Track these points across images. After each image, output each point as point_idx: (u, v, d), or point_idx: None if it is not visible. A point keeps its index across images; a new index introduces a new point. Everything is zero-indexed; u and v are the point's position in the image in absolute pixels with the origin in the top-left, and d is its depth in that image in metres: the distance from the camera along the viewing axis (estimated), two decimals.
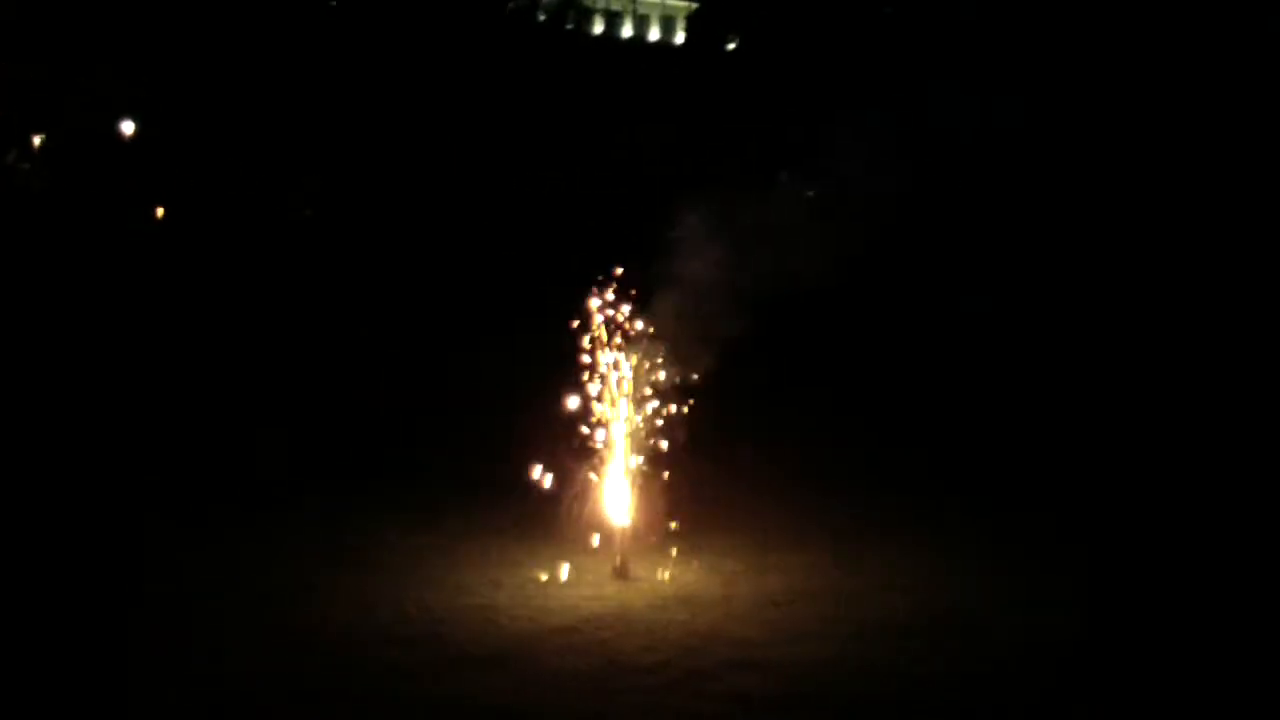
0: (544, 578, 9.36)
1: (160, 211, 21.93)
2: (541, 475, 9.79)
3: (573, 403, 9.82)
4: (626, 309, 9.97)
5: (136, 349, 16.51)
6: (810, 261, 20.11)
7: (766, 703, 6.79)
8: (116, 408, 14.56)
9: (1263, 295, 20.05)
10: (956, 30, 26.92)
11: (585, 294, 10.04)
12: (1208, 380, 17.45)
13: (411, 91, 25.35)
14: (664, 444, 9.93)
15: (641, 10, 50.19)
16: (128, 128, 21.99)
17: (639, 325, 10.02)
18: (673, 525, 10.01)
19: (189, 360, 16.47)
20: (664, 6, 50.04)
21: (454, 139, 25.36)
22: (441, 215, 23.79)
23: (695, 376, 10.32)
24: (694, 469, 10.33)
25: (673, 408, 10.09)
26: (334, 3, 25.56)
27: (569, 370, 9.92)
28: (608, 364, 9.81)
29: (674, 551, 9.96)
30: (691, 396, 10.28)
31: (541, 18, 34.40)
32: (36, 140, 21.87)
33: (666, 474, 9.91)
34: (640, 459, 9.86)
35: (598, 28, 46.87)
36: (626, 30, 49.50)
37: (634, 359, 9.87)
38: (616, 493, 9.74)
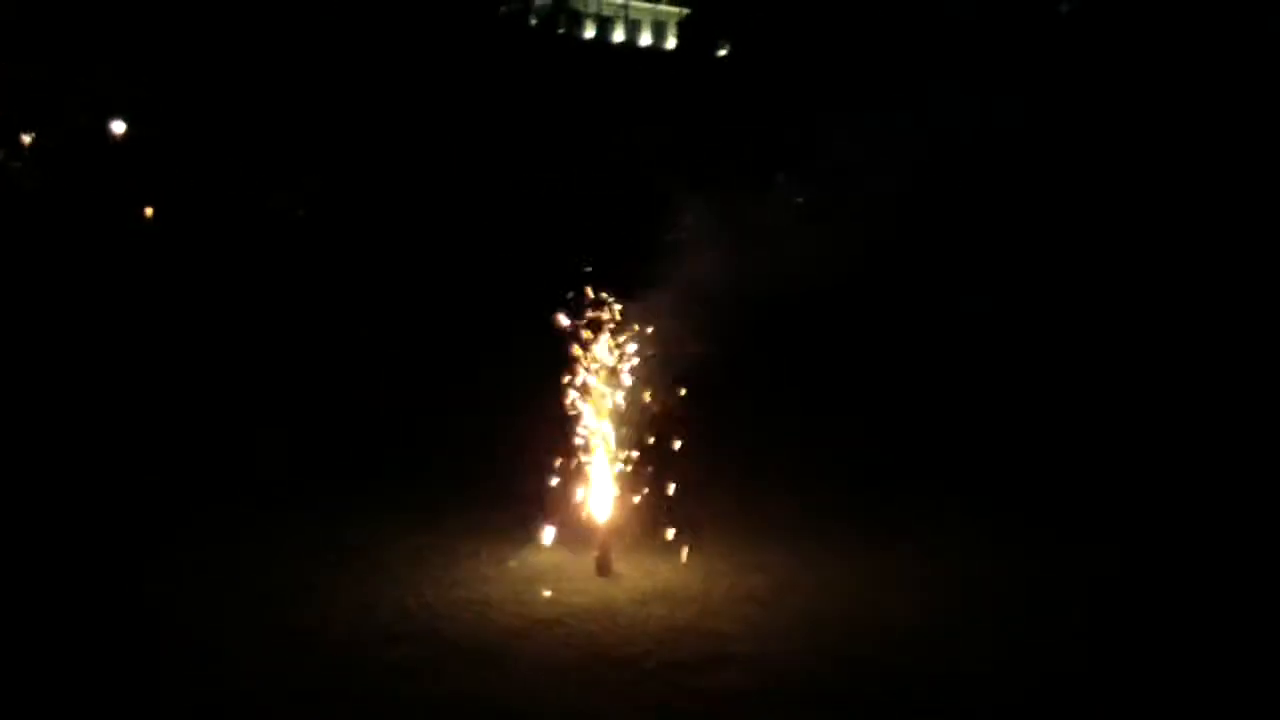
0: (513, 564, 9.64)
1: (149, 211, 22.05)
2: (530, 473, 9.99)
3: (561, 402, 10.00)
4: (611, 311, 10.13)
5: (136, 348, 16.62)
6: (805, 262, 20.36)
7: (741, 696, 7.02)
8: (115, 407, 14.65)
9: (1263, 295, 20.18)
10: (956, 30, 27.07)
11: (575, 296, 10.21)
12: (1207, 380, 17.58)
13: (407, 94, 25.51)
14: (650, 441, 10.10)
15: (633, 15, 50.34)
16: (118, 127, 22.11)
17: (624, 325, 10.18)
18: (669, 534, 10.14)
19: (189, 360, 16.59)
20: (656, 12, 50.22)
21: (448, 141, 25.52)
22: (437, 215, 23.95)
23: (685, 375, 10.50)
24: (679, 467, 10.50)
25: (659, 406, 10.26)
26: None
27: (559, 370, 10.09)
28: (593, 363, 9.98)
29: (657, 546, 10.14)
30: (680, 395, 10.45)
31: (533, 22, 34.60)
32: (26, 139, 21.97)
33: (651, 472, 10.08)
34: (625, 457, 10.02)
35: (589, 32, 47.08)
36: (618, 35, 49.67)
37: (618, 358, 10.04)
38: (600, 490, 9.92)
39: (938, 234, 23.56)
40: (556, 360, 10.17)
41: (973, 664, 7.69)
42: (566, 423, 10.04)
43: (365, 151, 23.87)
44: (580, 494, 9.95)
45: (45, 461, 12.39)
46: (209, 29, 22.32)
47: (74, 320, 17.17)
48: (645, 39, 50.19)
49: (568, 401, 10.04)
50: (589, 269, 10.40)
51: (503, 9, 32.47)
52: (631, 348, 10.14)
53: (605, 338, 10.09)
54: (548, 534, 10.03)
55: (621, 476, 10.01)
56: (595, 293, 10.19)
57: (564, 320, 10.06)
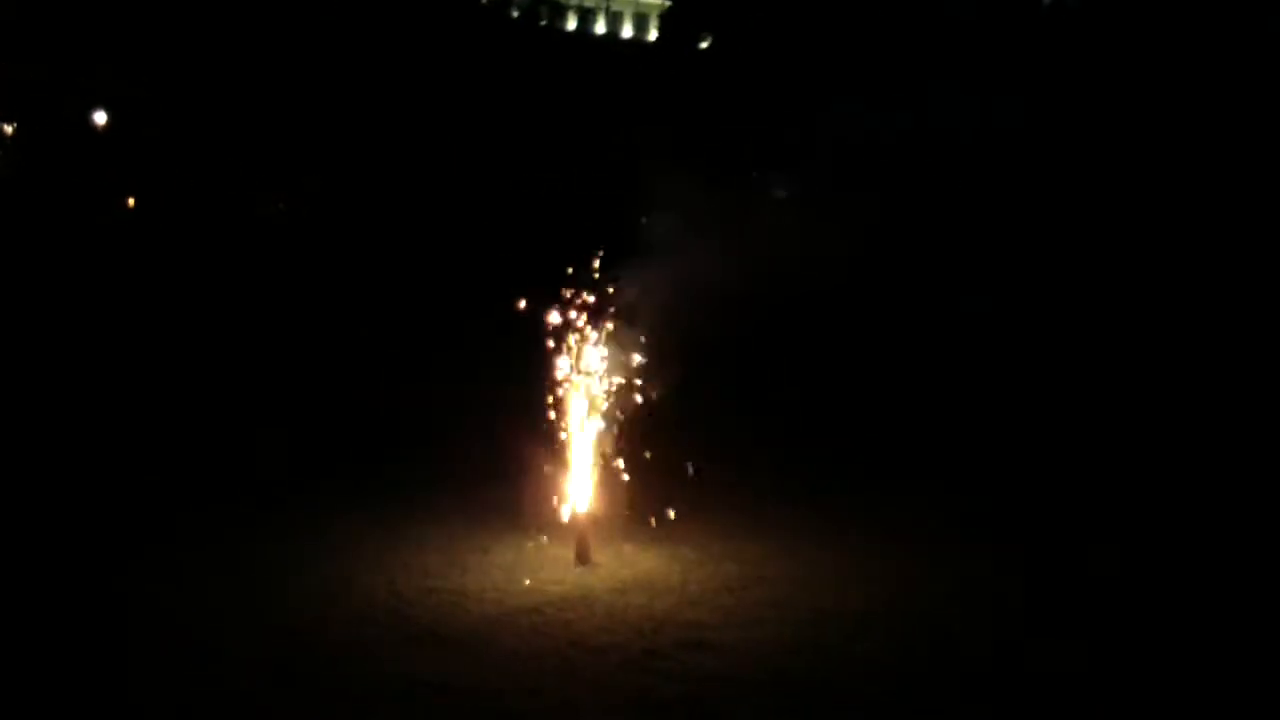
0: (492, 553, 9.76)
1: (131, 201, 22.05)
2: (512, 463, 10.09)
3: (543, 393, 10.10)
4: (589, 303, 10.22)
5: (136, 348, 16.63)
6: (794, 261, 20.43)
7: (716, 681, 7.13)
8: (112, 405, 14.65)
9: (1263, 295, 20.32)
10: (956, 30, 27.19)
11: (554, 290, 10.30)
12: (1207, 380, 17.71)
13: (390, 88, 25.55)
14: (628, 431, 10.21)
15: (615, 8, 50.37)
16: (100, 118, 22.10)
17: (604, 317, 10.28)
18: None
19: (186, 358, 16.60)
20: (637, 4, 50.25)
21: (431, 135, 25.57)
22: (420, 211, 24.00)
23: (671, 369, 10.60)
24: (661, 458, 10.62)
25: (641, 398, 10.36)
26: None
27: (542, 361, 10.18)
28: (572, 352, 10.07)
29: (636, 540, 10.26)
30: (667, 391, 10.55)
31: (515, 14, 34.65)
32: (8, 129, 21.96)
33: (628, 462, 10.18)
34: (603, 447, 10.12)
35: (571, 24, 47.11)
36: (600, 27, 49.70)
37: (600, 348, 10.14)
38: (579, 480, 10.02)
39: (937, 234, 23.63)
40: (539, 352, 10.27)
41: (941, 653, 7.83)
42: (548, 413, 10.13)
43: (354, 146, 23.92)
44: (560, 483, 10.05)
45: (40, 460, 12.36)
46: (207, 29, 22.35)
47: (69, 316, 17.14)
48: (627, 31, 50.24)
49: (549, 392, 10.14)
50: (570, 265, 10.47)
51: (483, 1, 32.55)
52: (603, 352, 10.22)
53: (585, 332, 10.20)
54: (526, 523, 10.13)
55: (601, 466, 10.11)
56: (576, 287, 10.29)
57: (546, 315, 10.16)
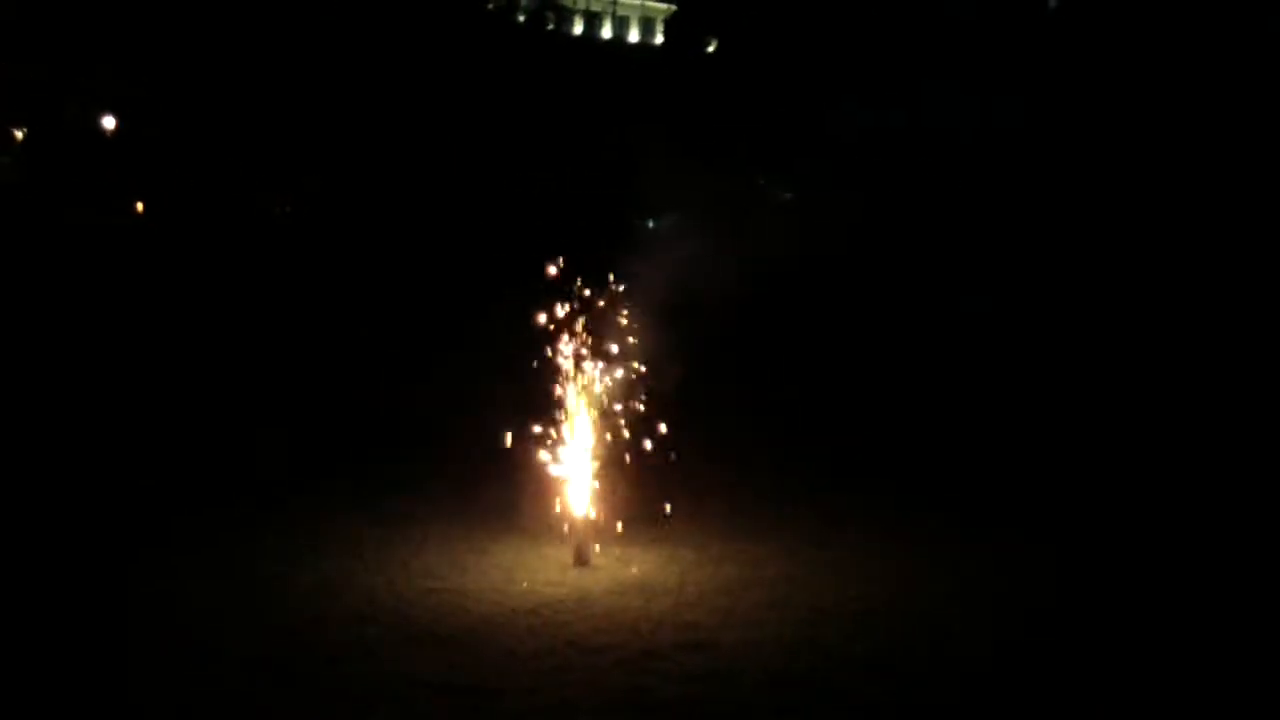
0: (491, 554, 9.82)
1: (140, 206, 22.12)
2: (510, 464, 10.15)
3: (541, 393, 10.15)
4: (590, 304, 10.27)
5: (136, 347, 16.69)
6: (795, 260, 20.48)
7: (713, 681, 7.13)
8: (113, 406, 14.71)
9: (1262, 294, 20.31)
10: (956, 30, 27.20)
11: (554, 289, 10.35)
12: (1206, 379, 17.71)
13: (394, 91, 25.60)
14: (627, 434, 10.24)
15: (621, 12, 50.45)
16: (109, 122, 22.17)
17: (607, 319, 10.33)
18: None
19: (187, 359, 16.66)
20: (644, 8, 50.33)
21: (435, 137, 25.61)
22: (425, 211, 24.06)
23: (670, 371, 10.64)
24: (659, 461, 10.66)
25: (642, 399, 10.40)
26: None
27: (541, 362, 10.24)
28: (570, 354, 10.12)
29: (634, 541, 10.30)
30: (667, 392, 10.60)
31: (521, 19, 34.70)
32: (19, 134, 22.05)
33: (629, 464, 10.23)
34: (603, 449, 10.17)
35: (578, 28, 47.19)
36: (606, 31, 49.79)
37: (599, 349, 10.19)
38: (578, 482, 10.06)
39: (937, 234, 23.66)
40: (539, 353, 10.32)
41: (941, 653, 7.83)
42: (547, 414, 10.18)
43: (356, 148, 23.97)
44: (559, 485, 10.10)
45: (41, 461, 12.42)
46: (207, 29, 22.42)
47: (70, 318, 17.20)
48: (633, 36, 50.32)
49: (548, 393, 10.19)
50: (570, 263, 10.51)
51: (490, 5, 32.60)
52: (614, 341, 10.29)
53: (581, 331, 10.25)
54: (526, 524, 10.19)
55: (600, 467, 10.15)
56: (576, 286, 10.33)
57: (546, 315, 10.21)
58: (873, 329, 20.64)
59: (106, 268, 18.47)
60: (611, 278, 10.56)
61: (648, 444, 10.24)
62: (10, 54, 19.14)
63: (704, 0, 36.42)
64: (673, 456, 10.38)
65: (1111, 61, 25.10)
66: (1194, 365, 18.30)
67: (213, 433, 14.21)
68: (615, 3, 50.25)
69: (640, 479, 10.34)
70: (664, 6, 47.19)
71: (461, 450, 12.59)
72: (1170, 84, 24.12)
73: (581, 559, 9.75)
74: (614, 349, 10.31)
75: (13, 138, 21.43)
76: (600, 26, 49.64)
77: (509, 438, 10.09)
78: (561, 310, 10.25)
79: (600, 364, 10.26)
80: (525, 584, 9.13)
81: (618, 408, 10.23)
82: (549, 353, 10.23)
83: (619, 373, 10.30)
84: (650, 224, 23.90)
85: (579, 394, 10.19)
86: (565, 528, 9.98)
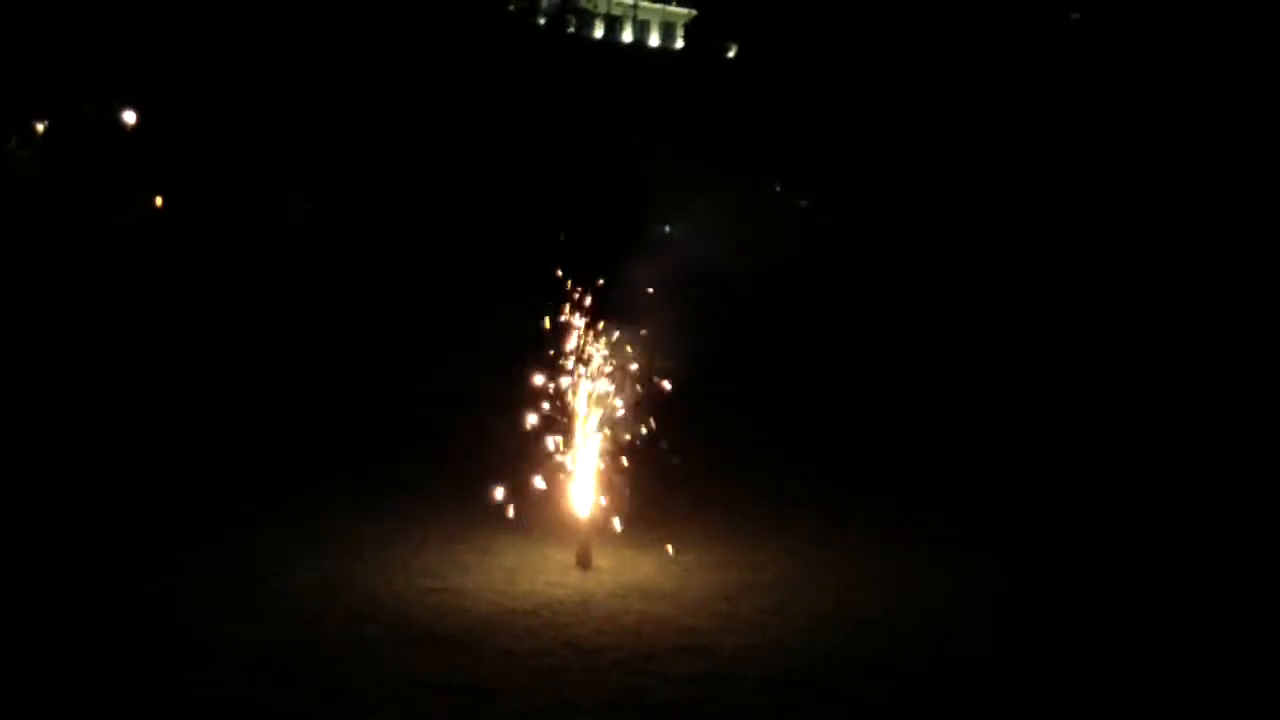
0: (493, 555, 9.86)
1: (159, 200, 22.22)
2: (512, 468, 10.17)
3: (543, 396, 10.17)
4: (595, 306, 10.30)
5: (137, 346, 16.75)
6: (804, 261, 20.50)
7: (711, 683, 7.15)
8: (116, 404, 14.77)
9: (1262, 294, 20.26)
10: (956, 30, 27.19)
11: (565, 289, 10.38)
12: (1205, 379, 17.67)
13: (413, 94, 25.68)
14: (628, 436, 10.26)
15: (642, 16, 50.53)
16: (129, 117, 22.27)
17: (611, 321, 10.35)
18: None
19: (189, 358, 16.72)
20: (665, 12, 50.41)
21: (454, 140, 25.68)
22: (440, 215, 24.12)
23: (671, 372, 10.66)
24: (661, 463, 10.69)
25: (644, 402, 10.42)
26: None
27: (543, 366, 10.26)
28: (574, 357, 10.15)
29: (636, 544, 10.32)
30: (669, 392, 10.61)
31: (541, 22, 34.78)
32: (40, 127, 22.17)
33: (629, 467, 10.24)
34: (605, 452, 10.19)
35: (598, 32, 47.25)
36: (627, 35, 49.86)
37: (602, 351, 10.21)
38: (581, 484, 10.08)
39: (937, 234, 23.65)
40: (544, 354, 10.34)
41: (941, 653, 7.85)
42: (550, 417, 10.20)
43: (370, 151, 24.04)
44: (562, 487, 10.12)
45: (45, 459, 12.48)
46: (209, 29, 22.49)
47: (78, 313, 17.28)
48: (654, 40, 50.39)
49: (552, 394, 10.21)
50: (580, 266, 10.54)
51: (510, 8, 32.69)
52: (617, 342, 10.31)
53: (589, 332, 10.27)
54: (528, 526, 10.21)
55: (602, 470, 10.17)
56: (584, 289, 10.36)
57: (553, 316, 10.23)
58: (873, 329, 20.66)
59: (116, 264, 18.53)
60: (620, 281, 10.58)
61: (651, 446, 10.26)
62: (10, 54, 19.23)
63: (724, 4, 36.43)
64: (675, 460, 10.40)
65: (1111, 61, 25.08)
66: (1193, 364, 18.27)
67: (218, 431, 14.26)
68: (636, 6, 50.32)
69: (643, 481, 10.34)
70: (684, 11, 47.23)
71: (463, 450, 12.64)
72: (1170, 83, 24.09)
73: (583, 561, 9.77)
74: (620, 351, 10.33)
75: (33, 130, 21.55)
76: (621, 30, 49.72)
77: (514, 437, 10.11)
78: (568, 312, 10.26)
79: (605, 366, 10.28)
80: (526, 585, 9.16)
81: (622, 410, 10.25)
82: (554, 354, 10.25)
83: (624, 375, 10.32)
84: (667, 229, 23.90)
85: (584, 395, 10.20)
86: (568, 529, 10.00)
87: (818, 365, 18.66)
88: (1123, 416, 16.38)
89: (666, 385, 10.56)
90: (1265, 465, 13.50)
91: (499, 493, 9.98)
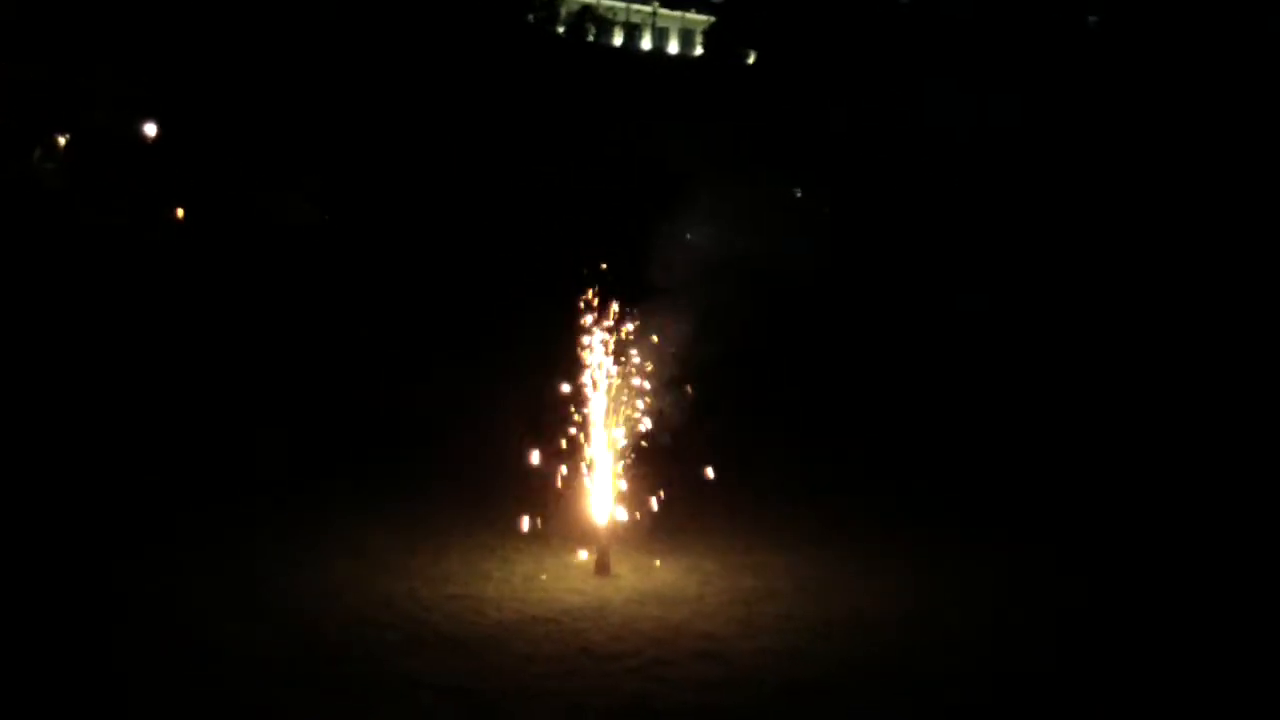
0: (512, 561, 9.90)
1: (180, 213, 22.32)
2: (531, 475, 10.21)
3: (560, 403, 10.20)
4: (617, 314, 10.32)
5: (138, 347, 16.82)
6: (810, 260, 20.51)
7: (723, 688, 7.18)
8: (120, 406, 14.86)
9: (1261, 294, 20.18)
10: (954, 30, 27.17)
11: (578, 297, 10.41)
12: (1203, 379, 17.62)
13: (429, 102, 25.77)
14: (647, 444, 10.28)
15: (661, 23, 50.62)
16: (150, 129, 22.36)
17: (630, 328, 10.37)
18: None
19: (192, 359, 16.79)
20: (684, 20, 50.47)
21: (470, 148, 25.75)
22: (458, 222, 24.18)
23: (685, 379, 10.68)
24: (679, 470, 10.70)
25: (659, 409, 10.45)
26: None
27: (558, 371, 10.29)
28: (593, 365, 10.17)
29: (655, 551, 10.35)
30: (679, 399, 10.64)
31: (560, 30, 34.89)
32: (62, 140, 22.29)
33: (650, 475, 10.27)
34: (625, 460, 10.22)
35: (618, 39, 47.37)
36: (646, 43, 49.96)
37: (620, 360, 10.24)
38: (600, 492, 10.11)
39: (934, 232, 23.66)
40: (559, 359, 10.38)
41: (947, 658, 7.85)
42: (568, 423, 10.23)
43: (385, 157, 24.12)
44: (581, 495, 10.15)
45: (44, 459, 12.57)
46: (211, 29, 22.55)
47: (85, 316, 17.35)
48: (673, 47, 50.46)
49: (569, 404, 10.24)
50: (602, 271, 10.56)
51: (530, 17, 32.82)
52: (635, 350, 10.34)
53: (610, 339, 10.30)
54: (548, 534, 10.24)
55: (621, 478, 10.19)
56: (604, 294, 10.38)
57: (574, 324, 10.26)
58: (872, 328, 20.68)
59: (125, 269, 18.59)
60: (640, 288, 10.60)
61: (675, 456, 10.29)
62: (10, 54, 19.30)
63: (742, 12, 36.43)
64: (707, 474, 10.41)
65: (1110, 60, 25.03)
66: (1190, 363, 18.21)
67: (219, 431, 14.33)
68: (655, 14, 50.42)
69: (664, 489, 10.37)
70: (703, 18, 47.28)
71: (483, 456, 12.69)
72: (1169, 83, 24.03)
73: (602, 568, 9.80)
74: (640, 359, 10.35)
75: (56, 144, 21.69)
76: (640, 38, 49.83)
77: (530, 444, 10.14)
78: (589, 319, 10.29)
79: (625, 374, 10.30)
80: (546, 592, 9.20)
81: (643, 420, 10.27)
82: (575, 362, 10.27)
83: (645, 384, 10.35)
84: (688, 236, 23.90)
85: (604, 403, 10.23)
86: (587, 537, 10.03)
87: (818, 364, 18.70)
88: (1119, 414, 16.36)
89: (689, 390, 10.58)
90: (1263, 463, 13.46)
91: (518, 501, 10.01)
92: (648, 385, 10.38)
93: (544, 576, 9.64)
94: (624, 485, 10.18)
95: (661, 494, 10.27)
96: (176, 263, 19.17)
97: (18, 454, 12.49)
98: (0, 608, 8.27)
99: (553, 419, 10.16)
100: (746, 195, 21.82)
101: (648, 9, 50.20)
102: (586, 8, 41.62)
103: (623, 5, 49.18)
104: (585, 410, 10.17)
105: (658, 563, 10.16)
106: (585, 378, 10.20)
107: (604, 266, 10.67)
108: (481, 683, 7.14)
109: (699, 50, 46.07)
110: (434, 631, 8.12)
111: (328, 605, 8.60)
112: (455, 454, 13.14)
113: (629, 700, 6.93)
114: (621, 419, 10.20)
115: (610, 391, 10.22)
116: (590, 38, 41.24)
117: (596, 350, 10.24)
